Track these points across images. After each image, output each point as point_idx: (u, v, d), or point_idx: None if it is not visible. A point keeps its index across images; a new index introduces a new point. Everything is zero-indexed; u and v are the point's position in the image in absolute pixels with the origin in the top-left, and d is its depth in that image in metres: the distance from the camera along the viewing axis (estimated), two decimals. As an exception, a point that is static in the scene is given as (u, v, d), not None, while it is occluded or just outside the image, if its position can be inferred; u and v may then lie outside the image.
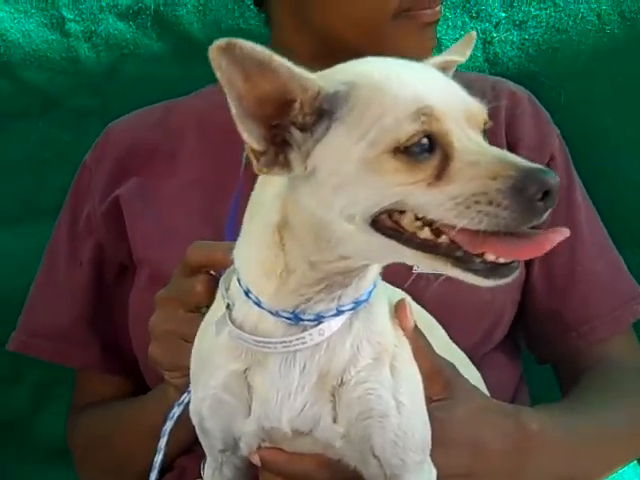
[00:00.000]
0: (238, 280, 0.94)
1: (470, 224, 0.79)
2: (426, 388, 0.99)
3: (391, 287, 1.04)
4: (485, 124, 0.87)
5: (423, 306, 1.13)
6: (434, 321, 1.16)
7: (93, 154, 1.52)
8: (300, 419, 0.94)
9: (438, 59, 0.97)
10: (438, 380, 1.05)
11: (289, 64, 0.81)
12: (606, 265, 1.47)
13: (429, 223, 0.82)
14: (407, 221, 0.83)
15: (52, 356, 1.51)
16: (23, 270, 1.56)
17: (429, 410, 0.99)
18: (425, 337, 1.03)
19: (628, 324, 1.47)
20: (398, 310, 0.99)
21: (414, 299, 1.09)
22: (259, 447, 0.99)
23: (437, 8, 1.35)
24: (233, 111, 0.81)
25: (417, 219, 0.82)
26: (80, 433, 1.51)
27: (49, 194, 1.61)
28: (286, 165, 0.84)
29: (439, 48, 1.58)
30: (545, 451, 1.18)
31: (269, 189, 0.91)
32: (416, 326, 1.01)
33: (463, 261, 0.82)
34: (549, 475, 1.23)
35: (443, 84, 0.87)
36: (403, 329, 0.99)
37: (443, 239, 0.82)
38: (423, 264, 0.84)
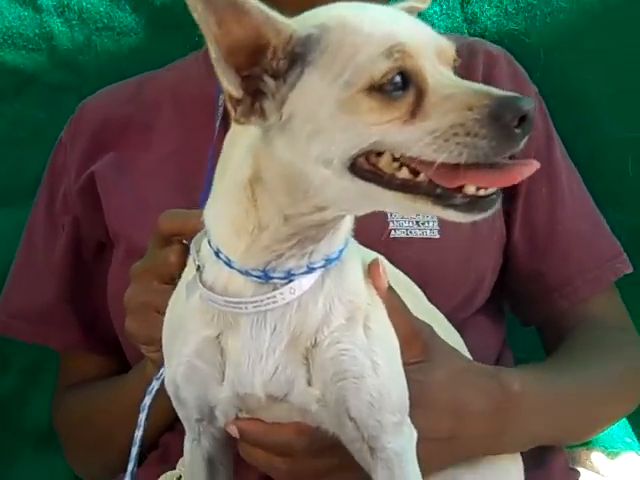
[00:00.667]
0: (209, 241, 0.93)
1: (449, 157, 0.78)
2: (403, 350, 0.98)
3: (365, 249, 1.02)
4: (454, 61, 0.86)
5: (400, 269, 1.12)
6: (411, 282, 1.14)
7: (68, 131, 1.51)
8: (273, 383, 0.93)
9: (400, 4, 0.96)
10: (415, 342, 1.04)
11: (263, 6, 0.80)
12: (587, 224, 1.46)
13: (407, 163, 0.81)
14: (384, 162, 0.82)
15: (32, 337, 1.50)
16: (3, 252, 1.55)
17: (407, 373, 0.98)
18: (400, 298, 1.02)
19: (610, 283, 1.46)
20: (371, 269, 0.98)
21: (390, 262, 1.08)
22: (236, 418, 0.98)
23: None
24: (212, 55, 0.80)
25: (394, 160, 0.81)
26: (64, 413, 1.51)
27: (27, 174, 1.60)
28: (262, 114, 0.83)
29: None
30: (528, 411, 1.17)
31: (239, 145, 0.89)
32: (390, 287, 0.99)
33: (443, 198, 0.81)
34: (532, 436, 1.22)
35: (413, 23, 0.86)
36: (377, 289, 0.97)
37: (421, 178, 0.81)
38: (402, 205, 0.83)
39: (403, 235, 1.29)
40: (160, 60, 1.60)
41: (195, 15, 0.78)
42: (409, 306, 1.04)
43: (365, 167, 0.82)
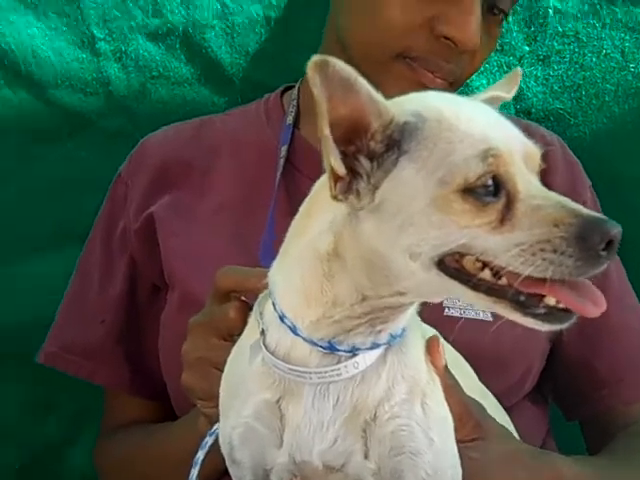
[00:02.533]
0: (273, 304, 0.93)
1: (535, 272, 0.80)
2: (457, 428, 1.00)
3: (424, 325, 1.04)
4: (540, 167, 0.88)
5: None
6: (464, 361, 1.16)
7: (128, 167, 1.51)
8: (331, 453, 0.94)
9: (483, 95, 0.97)
10: (468, 421, 1.05)
11: (370, 87, 0.82)
12: (634, 318, 1.45)
13: (490, 265, 0.83)
14: (467, 262, 0.83)
15: (78, 371, 1.49)
16: (57, 295, 1.55)
17: (462, 450, 0.99)
18: (454, 376, 1.03)
19: None
20: (430, 347, 0.99)
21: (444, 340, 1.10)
22: None
23: (439, 80, 1.30)
24: (324, 131, 0.81)
25: (478, 260, 0.83)
26: (106, 455, 1.51)
27: (80, 217, 1.60)
28: (357, 195, 0.84)
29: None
30: None
31: (320, 215, 0.90)
32: (445, 365, 1.01)
33: (524, 306, 0.83)
34: None
35: (504, 124, 0.88)
36: (434, 366, 0.99)
37: (503, 281, 0.82)
38: (483, 305, 0.85)
39: (457, 314, 1.30)
40: (212, 112, 1.63)
41: (313, 89, 0.79)
42: (462, 384, 1.05)
43: (452, 265, 0.84)
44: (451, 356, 1.09)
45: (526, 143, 0.87)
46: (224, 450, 1.01)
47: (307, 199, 0.95)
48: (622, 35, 1.66)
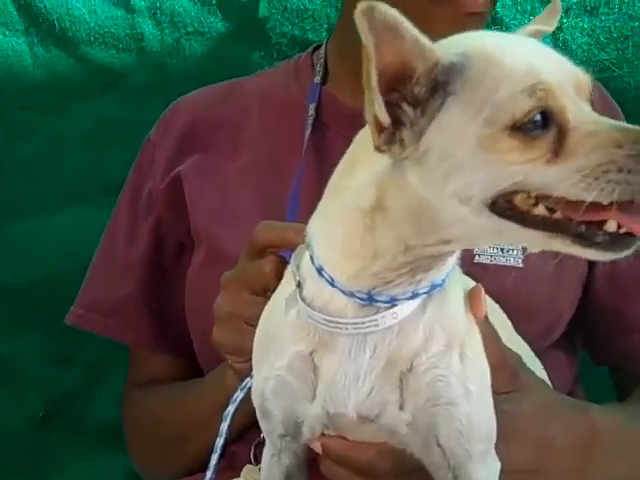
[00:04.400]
0: (311, 257, 0.91)
1: (600, 196, 0.76)
2: (493, 380, 0.97)
3: (464, 276, 1.00)
4: (591, 95, 0.84)
5: None
6: (500, 310, 1.13)
7: (157, 130, 1.51)
8: (367, 404, 0.92)
9: (525, 29, 0.93)
10: (505, 372, 1.02)
11: (416, 31, 0.79)
12: None
13: (542, 200, 0.79)
14: (519, 200, 0.80)
15: (104, 330, 1.50)
16: (84, 247, 1.56)
17: (496, 402, 0.96)
18: (493, 327, 1.01)
19: None
20: (472, 296, 0.96)
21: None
22: (322, 435, 0.97)
23: (481, 1, 1.28)
24: (372, 78, 0.78)
25: (530, 197, 0.80)
26: (134, 410, 1.51)
27: (109, 171, 1.61)
28: (401, 144, 0.82)
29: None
30: (610, 450, 1.15)
31: (361, 168, 0.87)
32: (486, 315, 0.98)
33: (583, 236, 0.79)
34: (611, 476, 1.19)
35: (551, 55, 0.84)
36: (475, 316, 0.96)
37: (557, 215, 0.79)
38: (540, 243, 0.82)
39: (487, 261, 1.28)
40: (247, 68, 1.61)
41: (362, 36, 0.77)
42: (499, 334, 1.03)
43: (505, 206, 0.81)
44: (489, 305, 1.05)
45: (576, 72, 0.83)
46: (256, 403, 1.00)
47: (347, 152, 0.92)
48: (673, -17, 1.62)
